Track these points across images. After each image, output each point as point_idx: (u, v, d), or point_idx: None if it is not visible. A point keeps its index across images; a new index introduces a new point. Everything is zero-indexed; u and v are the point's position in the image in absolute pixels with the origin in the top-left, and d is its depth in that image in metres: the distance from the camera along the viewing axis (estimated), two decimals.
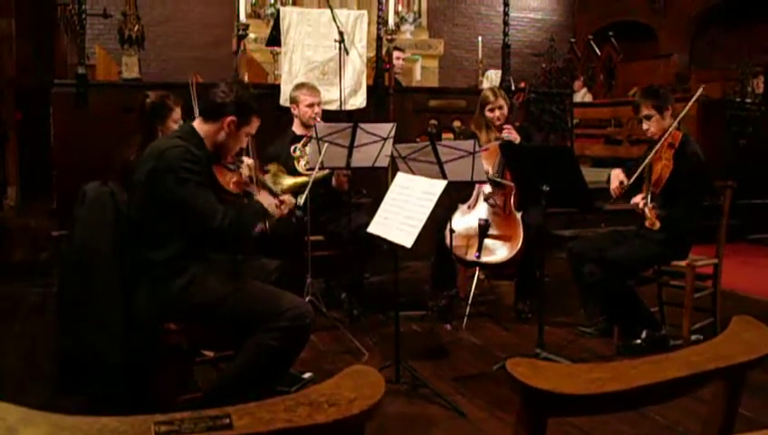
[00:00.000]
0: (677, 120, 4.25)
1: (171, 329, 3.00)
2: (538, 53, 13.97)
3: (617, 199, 4.40)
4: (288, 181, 4.64)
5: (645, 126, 4.32)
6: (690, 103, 4.35)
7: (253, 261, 3.48)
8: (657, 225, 4.01)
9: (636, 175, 4.18)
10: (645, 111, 4.29)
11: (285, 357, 3.05)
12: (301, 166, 4.86)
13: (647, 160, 4.17)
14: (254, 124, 3.19)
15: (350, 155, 4.50)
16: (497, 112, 5.05)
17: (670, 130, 4.21)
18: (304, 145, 4.88)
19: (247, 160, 3.33)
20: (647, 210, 4.04)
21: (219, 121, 3.07)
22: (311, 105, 5.01)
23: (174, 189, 2.89)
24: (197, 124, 3.12)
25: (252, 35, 8.81)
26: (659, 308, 4.63)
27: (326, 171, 4.64)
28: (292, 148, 4.94)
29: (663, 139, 4.20)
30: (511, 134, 4.94)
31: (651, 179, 4.15)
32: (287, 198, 3.44)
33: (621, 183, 4.27)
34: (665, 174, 4.13)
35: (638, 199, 4.16)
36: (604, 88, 14.03)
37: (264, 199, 3.26)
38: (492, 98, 5.08)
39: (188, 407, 2.96)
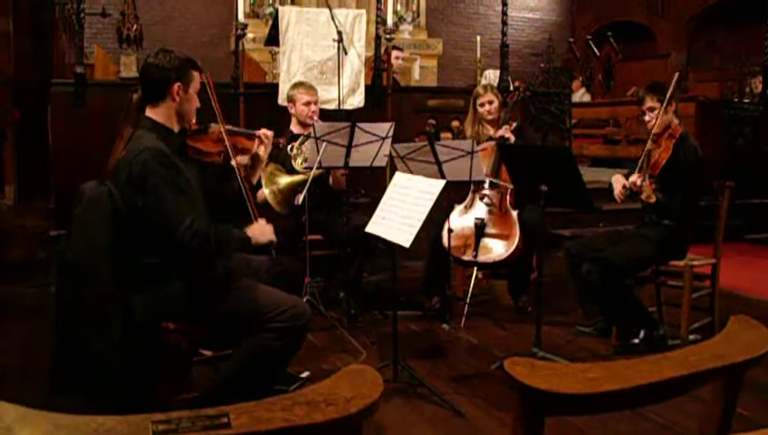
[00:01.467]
0: (671, 90, 4.24)
1: (170, 328, 2.99)
2: (536, 52, 13.98)
3: (622, 202, 4.40)
4: (284, 180, 4.65)
5: (647, 118, 4.33)
6: (674, 81, 4.33)
7: (242, 258, 3.47)
8: (654, 198, 4.07)
9: (640, 161, 4.24)
10: (649, 103, 4.32)
11: (283, 356, 3.04)
12: (297, 164, 4.85)
13: (647, 146, 4.24)
14: (198, 78, 3.11)
15: (348, 154, 4.50)
16: (487, 107, 5.14)
17: (660, 109, 4.21)
18: (301, 143, 4.87)
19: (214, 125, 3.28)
20: (644, 185, 4.09)
21: (168, 96, 3.01)
22: (307, 103, 5.01)
23: (144, 195, 2.85)
24: (151, 113, 3.03)
25: (250, 35, 8.81)
26: (657, 308, 4.63)
27: (321, 170, 4.63)
28: (289, 146, 4.94)
29: (656, 127, 4.23)
30: (506, 132, 4.97)
31: (649, 162, 4.22)
32: (262, 132, 3.39)
33: (624, 186, 4.28)
34: (662, 158, 4.19)
35: (635, 178, 4.20)
36: (602, 88, 14.06)
37: (257, 229, 3.16)
38: (482, 92, 5.20)
39: (186, 406, 2.96)
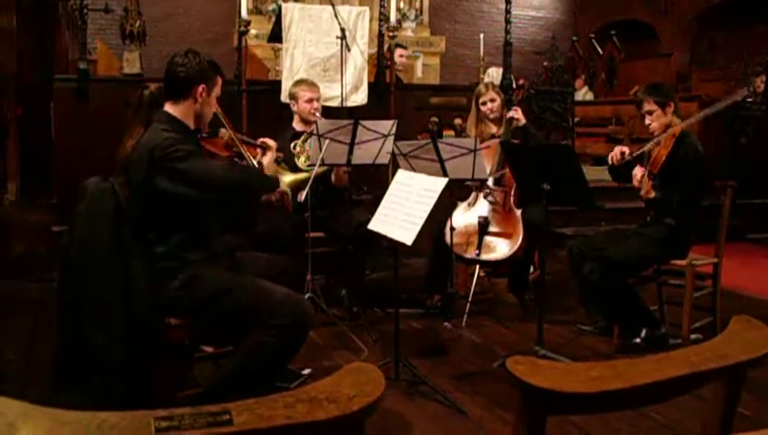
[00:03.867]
0: (687, 122, 4.30)
1: (173, 324, 3.00)
2: (540, 51, 13.98)
3: (612, 167, 4.43)
4: (288, 178, 4.63)
5: (647, 121, 4.35)
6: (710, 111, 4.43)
7: (250, 255, 3.47)
8: (653, 194, 4.15)
9: (636, 153, 4.32)
10: (647, 107, 4.33)
11: (284, 353, 3.04)
12: (300, 162, 4.85)
13: (648, 146, 4.29)
14: (220, 83, 3.19)
15: (350, 152, 4.50)
16: (489, 105, 5.15)
17: (676, 128, 4.24)
18: (304, 141, 4.87)
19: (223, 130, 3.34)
20: (644, 181, 4.17)
21: (191, 95, 3.06)
22: (309, 100, 5.01)
23: (180, 169, 2.91)
24: (170, 108, 3.08)
25: (253, 31, 8.80)
26: (659, 307, 4.63)
27: (325, 167, 4.63)
28: (292, 144, 4.94)
29: (656, 130, 4.27)
30: (516, 112, 5.02)
31: (649, 159, 4.27)
32: (264, 141, 3.44)
33: (623, 153, 4.32)
34: (661, 155, 4.22)
35: (636, 171, 4.29)
36: (605, 86, 14.03)
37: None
38: (484, 90, 5.20)
39: (188, 403, 2.96)
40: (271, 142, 3.42)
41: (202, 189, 2.99)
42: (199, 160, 3.00)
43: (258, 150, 3.38)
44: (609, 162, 4.42)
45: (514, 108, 5.06)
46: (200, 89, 3.06)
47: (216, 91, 3.16)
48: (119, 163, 3.02)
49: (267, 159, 3.36)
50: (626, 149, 4.38)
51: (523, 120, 5.05)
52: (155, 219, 2.98)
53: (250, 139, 3.47)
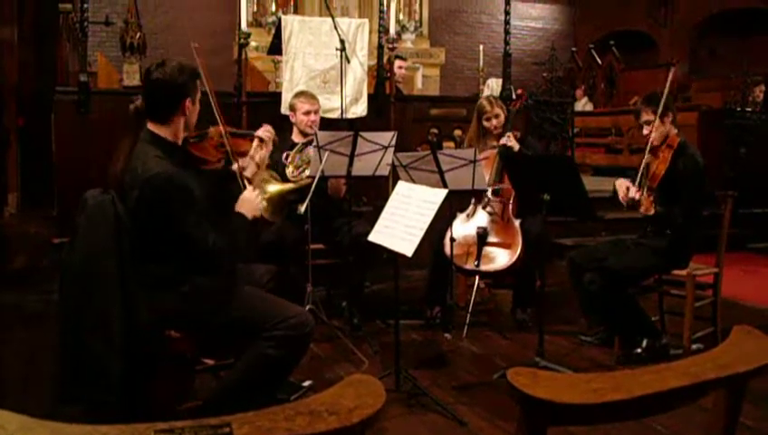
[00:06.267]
0: (663, 98, 4.26)
1: (175, 337, 2.99)
2: (539, 61, 13.99)
3: (629, 207, 4.41)
4: (274, 188, 4.55)
5: (645, 131, 4.34)
6: (666, 87, 4.39)
7: (245, 267, 3.46)
8: (652, 210, 4.12)
9: (638, 179, 4.29)
10: (645, 117, 4.33)
11: (285, 366, 3.03)
12: (288, 172, 4.77)
13: (644, 159, 4.28)
14: (200, 86, 3.09)
15: (350, 164, 4.50)
16: (494, 121, 5.07)
17: (656, 121, 4.23)
18: (297, 152, 4.85)
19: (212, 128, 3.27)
20: (643, 199, 4.14)
21: (179, 112, 3.00)
22: (307, 113, 5.00)
23: (166, 220, 2.87)
24: (155, 127, 2.99)
25: (253, 43, 8.83)
26: (660, 317, 4.63)
27: (310, 180, 4.55)
28: (284, 154, 4.91)
29: (654, 140, 4.25)
30: (509, 140, 4.94)
31: (648, 174, 4.25)
32: (262, 132, 3.37)
33: (628, 189, 4.30)
34: (660, 170, 4.21)
35: (633, 192, 4.25)
36: (605, 97, 14.07)
37: (247, 203, 3.14)
38: (488, 107, 5.09)
39: (188, 415, 2.95)
40: (266, 134, 3.36)
41: (184, 244, 2.93)
42: (192, 216, 2.90)
43: (253, 143, 3.31)
44: (625, 204, 4.37)
45: (508, 135, 4.93)
46: (186, 103, 3.00)
47: (198, 95, 3.08)
48: (112, 181, 3.00)
49: (261, 155, 3.31)
50: (629, 185, 4.33)
51: (516, 147, 4.91)
52: (153, 243, 2.95)
53: (246, 131, 3.40)
